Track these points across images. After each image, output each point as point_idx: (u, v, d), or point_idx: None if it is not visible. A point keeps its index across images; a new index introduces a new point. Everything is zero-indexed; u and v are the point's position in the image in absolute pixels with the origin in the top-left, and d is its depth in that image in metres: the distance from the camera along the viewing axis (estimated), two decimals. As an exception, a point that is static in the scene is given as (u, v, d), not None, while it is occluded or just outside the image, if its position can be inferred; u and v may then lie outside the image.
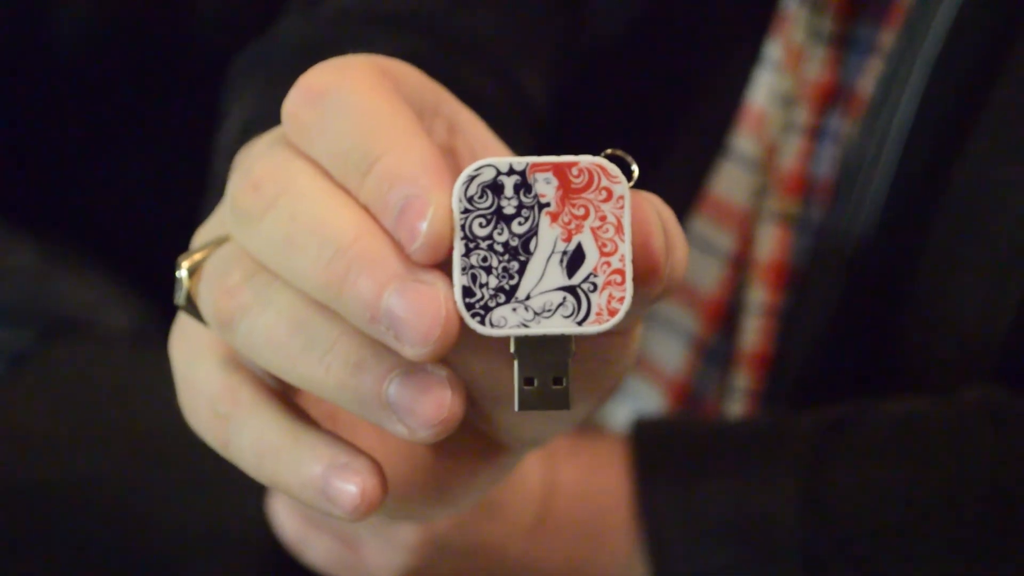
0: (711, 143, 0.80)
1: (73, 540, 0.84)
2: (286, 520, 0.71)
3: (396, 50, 0.70)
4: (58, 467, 0.86)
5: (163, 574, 0.83)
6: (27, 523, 0.85)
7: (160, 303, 1.01)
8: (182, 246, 0.57)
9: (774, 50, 0.80)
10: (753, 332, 0.80)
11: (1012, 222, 0.73)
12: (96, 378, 0.92)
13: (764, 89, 0.80)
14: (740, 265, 0.81)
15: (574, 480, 0.72)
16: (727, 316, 0.81)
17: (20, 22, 1.12)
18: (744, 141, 0.80)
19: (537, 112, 0.78)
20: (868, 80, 0.77)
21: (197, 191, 0.76)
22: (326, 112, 0.45)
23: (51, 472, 0.86)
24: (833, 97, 0.79)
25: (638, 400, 0.84)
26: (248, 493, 0.74)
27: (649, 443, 0.72)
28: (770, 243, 0.79)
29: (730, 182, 0.80)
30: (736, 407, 0.81)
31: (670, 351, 0.83)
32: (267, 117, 0.63)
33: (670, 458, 0.71)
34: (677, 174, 0.80)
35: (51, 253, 1.03)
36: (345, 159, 0.44)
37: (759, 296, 0.79)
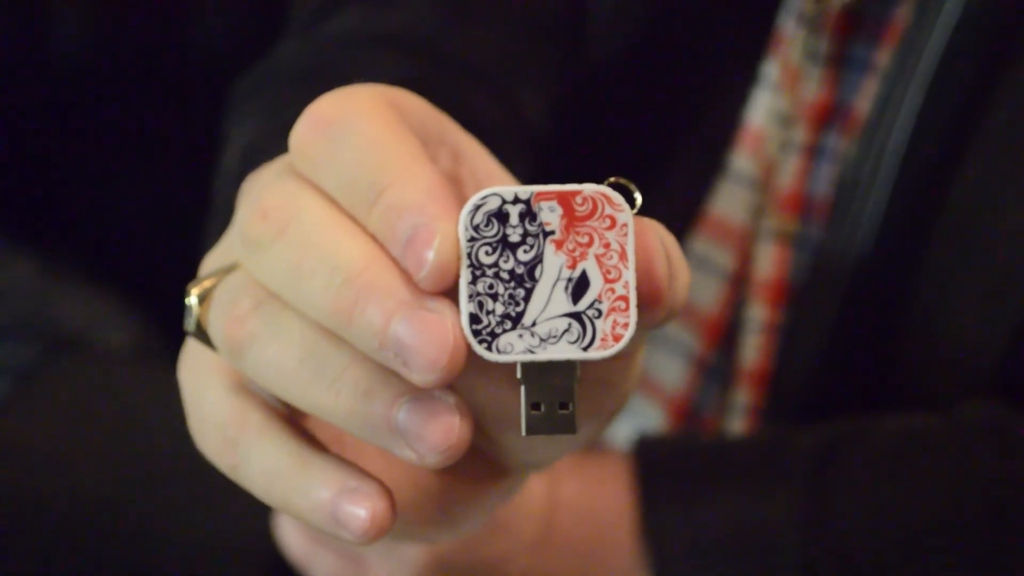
0: (710, 162, 0.81)
1: (77, 556, 0.84)
2: (292, 538, 0.72)
3: (396, 73, 0.71)
4: (63, 483, 0.86)
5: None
6: (32, 539, 0.85)
7: (159, 320, 1.02)
8: (181, 263, 0.58)
9: (772, 70, 0.80)
10: (753, 349, 0.80)
11: (1008, 240, 0.73)
12: (99, 395, 0.92)
13: (762, 109, 0.80)
14: (739, 283, 0.81)
15: (577, 497, 0.72)
16: (727, 334, 0.81)
17: (20, 38, 1.12)
18: (743, 160, 0.81)
19: (536, 133, 0.78)
20: (865, 99, 0.78)
21: (196, 209, 0.76)
22: (334, 142, 0.45)
23: (56, 488, 0.86)
24: (830, 116, 0.79)
25: (639, 417, 0.84)
26: (253, 509, 0.75)
27: (651, 461, 0.72)
28: (769, 261, 0.80)
29: (729, 201, 0.80)
30: (736, 424, 0.81)
31: (670, 368, 0.83)
32: (268, 143, 0.63)
33: (672, 476, 0.71)
34: (677, 193, 0.80)
35: (50, 270, 1.04)
36: (353, 189, 0.44)
37: (758, 313, 0.80)
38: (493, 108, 0.75)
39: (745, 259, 0.81)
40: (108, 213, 1.16)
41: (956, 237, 0.74)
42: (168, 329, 0.71)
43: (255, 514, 0.75)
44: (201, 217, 0.73)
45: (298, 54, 0.77)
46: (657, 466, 0.72)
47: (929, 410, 0.73)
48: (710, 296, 0.81)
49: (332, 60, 0.76)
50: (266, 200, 0.46)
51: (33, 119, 1.15)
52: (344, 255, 0.44)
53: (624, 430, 0.84)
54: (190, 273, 0.51)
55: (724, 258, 0.81)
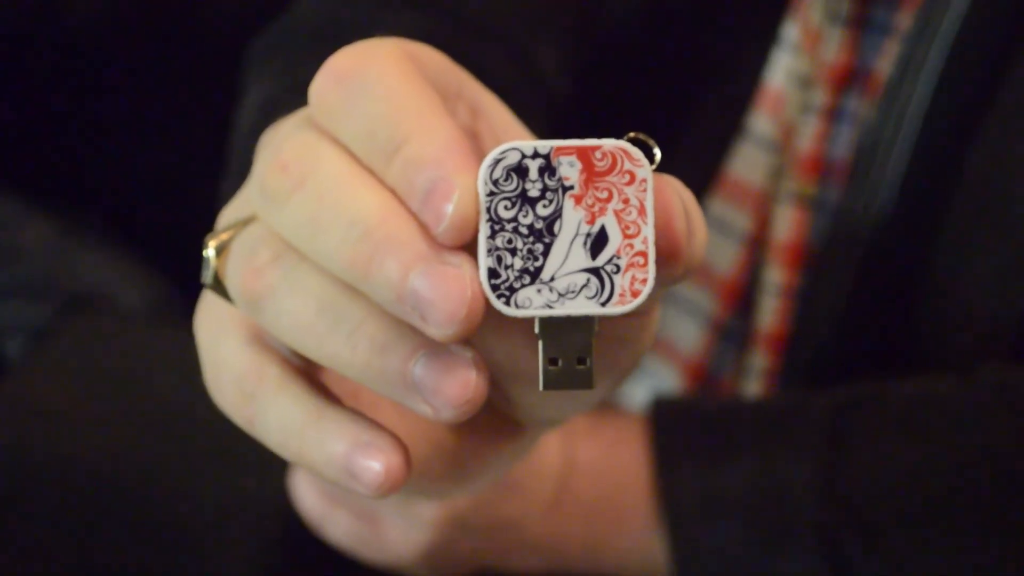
0: (729, 124, 0.80)
1: (91, 513, 0.84)
2: (307, 497, 0.72)
3: (409, 29, 0.70)
4: (78, 441, 0.86)
5: (182, 548, 0.83)
6: (47, 496, 0.85)
7: (177, 279, 1.02)
8: (198, 222, 0.58)
9: (791, 31, 0.80)
10: (770, 312, 0.80)
11: (1027, 205, 0.73)
12: (116, 353, 0.92)
13: (782, 70, 0.80)
14: (757, 245, 0.81)
15: (593, 458, 0.72)
16: (744, 296, 0.81)
17: (32, 3, 1.12)
18: (762, 122, 0.80)
19: (553, 90, 0.78)
20: (885, 62, 0.77)
21: (213, 169, 0.76)
22: (353, 95, 0.45)
23: (71, 446, 0.86)
24: (850, 79, 0.79)
25: (655, 380, 0.84)
26: (268, 468, 0.75)
27: (668, 422, 0.72)
28: (787, 224, 0.79)
29: (747, 163, 0.80)
30: (752, 387, 0.81)
31: (687, 331, 0.83)
32: (286, 98, 0.63)
33: (689, 437, 0.71)
34: (695, 155, 0.80)
35: (68, 229, 1.04)
36: (371, 141, 0.44)
37: (776, 276, 0.80)
38: (509, 68, 0.75)
39: (763, 221, 0.80)
40: (126, 172, 1.16)
41: (975, 201, 0.74)
42: (185, 288, 0.71)
43: (270, 473, 0.75)
44: (220, 177, 0.73)
45: (313, 11, 0.77)
46: (673, 427, 0.72)
47: (945, 373, 0.73)
48: (727, 258, 0.81)
49: (349, 17, 0.75)
50: (285, 152, 0.45)
51: (51, 79, 1.15)
52: (362, 208, 0.44)
53: (640, 392, 0.84)
54: (208, 232, 0.50)
55: (742, 220, 0.81)
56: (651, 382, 0.84)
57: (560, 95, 0.78)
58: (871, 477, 0.69)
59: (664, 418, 0.72)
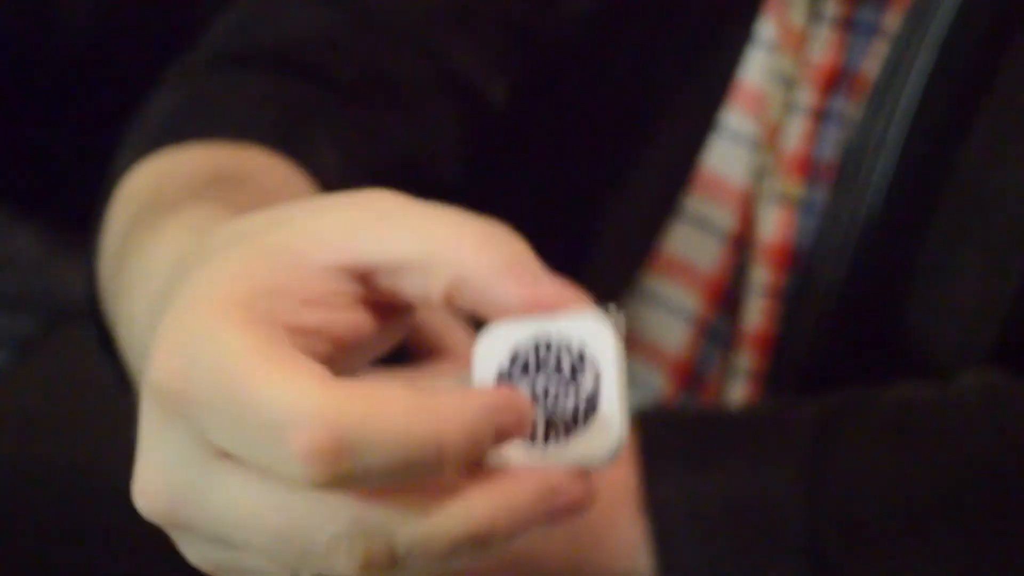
0: (701, 121, 0.80)
1: (77, 520, 0.84)
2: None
3: (312, 25, 0.70)
4: (62, 450, 0.87)
5: (168, 553, 0.83)
6: (32, 504, 0.85)
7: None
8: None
9: (766, 29, 0.79)
10: (756, 312, 0.79)
11: (1014, 207, 0.73)
12: (99, 364, 0.92)
13: (758, 68, 0.79)
14: (741, 244, 0.80)
15: None
16: (728, 295, 0.81)
17: (24, 13, 1.12)
18: (738, 119, 0.80)
19: (479, 93, 0.77)
20: (873, 63, 0.77)
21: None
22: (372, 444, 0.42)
23: (55, 455, 0.86)
24: (837, 79, 0.78)
25: (639, 382, 0.84)
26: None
27: (653, 435, 0.71)
28: (773, 224, 0.79)
29: (725, 160, 0.80)
30: (739, 388, 0.80)
31: (671, 330, 0.82)
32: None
33: (675, 449, 0.71)
34: (668, 152, 0.79)
35: (53, 241, 1.04)
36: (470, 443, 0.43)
37: (762, 276, 0.79)
38: (414, 65, 0.74)
39: (746, 220, 0.80)
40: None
41: (963, 202, 0.74)
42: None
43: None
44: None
45: (235, 18, 0.77)
46: (659, 441, 0.71)
47: (931, 376, 0.73)
48: (709, 255, 0.81)
49: (258, 14, 0.75)
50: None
51: (37, 92, 1.15)
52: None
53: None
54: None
55: (723, 218, 0.80)
56: (635, 385, 0.84)
57: (492, 99, 0.77)
58: (856, 484, 0.69)
59: (650, 431, 0.71)
